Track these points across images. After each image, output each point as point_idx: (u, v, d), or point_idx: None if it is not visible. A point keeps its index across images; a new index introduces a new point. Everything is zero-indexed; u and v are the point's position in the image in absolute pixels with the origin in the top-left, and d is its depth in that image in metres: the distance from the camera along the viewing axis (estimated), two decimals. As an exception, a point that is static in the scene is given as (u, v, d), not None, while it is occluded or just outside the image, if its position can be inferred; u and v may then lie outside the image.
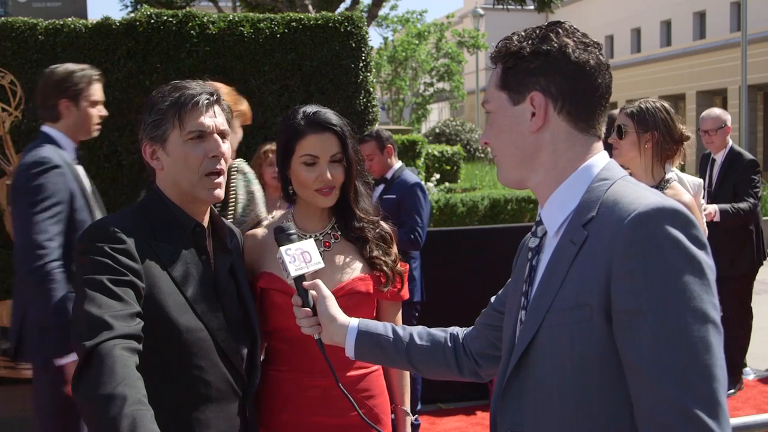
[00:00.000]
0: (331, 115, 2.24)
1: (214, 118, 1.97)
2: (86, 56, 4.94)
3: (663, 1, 32.13)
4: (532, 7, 15.23)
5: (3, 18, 5.09)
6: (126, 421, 1.50)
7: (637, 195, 1.37)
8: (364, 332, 1.86)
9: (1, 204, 4.97)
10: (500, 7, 15.11)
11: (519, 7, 15.64)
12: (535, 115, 1.47)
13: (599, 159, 1.48)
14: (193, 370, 1.90)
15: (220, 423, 1.94)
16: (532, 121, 1.47)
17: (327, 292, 1.91)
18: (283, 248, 1.91)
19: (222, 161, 1.98)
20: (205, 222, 2.04)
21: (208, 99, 1.97)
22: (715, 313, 1.27)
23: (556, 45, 1.45)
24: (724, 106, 27.00)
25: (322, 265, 1.94)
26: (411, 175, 5.17)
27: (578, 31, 1.50)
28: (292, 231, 1.96)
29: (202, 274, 1.96)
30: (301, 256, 1.91)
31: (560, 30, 1.48)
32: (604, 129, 1.53)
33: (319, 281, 1.93)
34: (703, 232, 3.14)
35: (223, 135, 1.99)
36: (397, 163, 5.10)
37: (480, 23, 31.89)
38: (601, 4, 35.85)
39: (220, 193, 1.99)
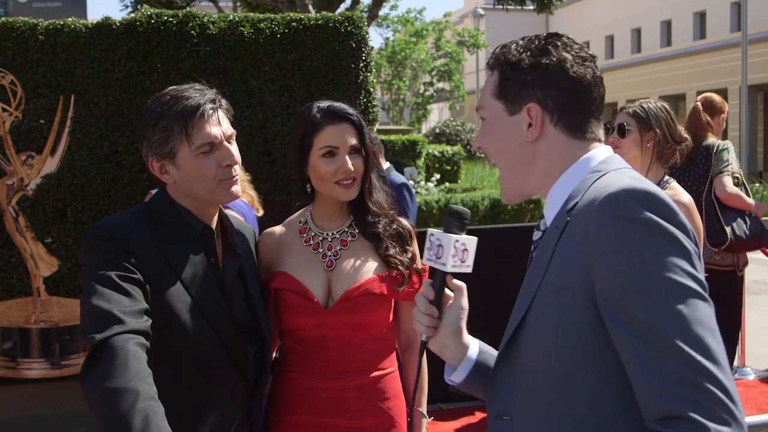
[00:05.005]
0: (345, 105, 2.21)
1: (220, 126, 1.93)
2: (86, 56, 4.94)
3: (663, 1, 32.14)
4: (531, 8, 15.21)
5: (3, 18, 5.09)
6: (139, 417, 1.49)
7: (614, 180, 1.38)
8: (481, 364, 1.67)
9: (0, 204, 4.97)
10: (500, 7, 15.09)
11: (519, 8, 15.62)
12: (531, 126, 1.48)
13: (598, 152, 1.49)
14: (199, 372, 1.89)
15: (224, 425, 1.93)
16: (529, 132, 1.49)
17: (466, 303, 1.69)
18: (454, 237, 1.64)
19: (236, 166, 1.96)
20: (214, 224, 2.03)
21: (212, 107, 1.92)
22: (698, 285, 1.26)
23: (555, 59, 1.47)
24: (724, 106, 26.96)
25: (470, 270, 1.71)
26: (398, 176, 5.20)
27: (576, 43, 1.51)
28: (467, 219, 1.69)
29: (209, 276, 1.94)
30: (462, 253, 1.68)
31: (559, 43, 1.49)
32: (602, 133, 1.54)
33: (464, 287, 1.70)
34: (699, 229, 3.15)
35: (230, 139, 1.97)
36: (385, 164, 5.12)
37: (480, 23, 31.91)
38: (601, 4, 35.84)
39: (238, 189, 1.97)
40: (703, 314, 1.25)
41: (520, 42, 1.52)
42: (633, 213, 1.29)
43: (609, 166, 1.46)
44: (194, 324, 1.87)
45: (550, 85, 1.47)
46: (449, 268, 1.64)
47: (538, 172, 1.51)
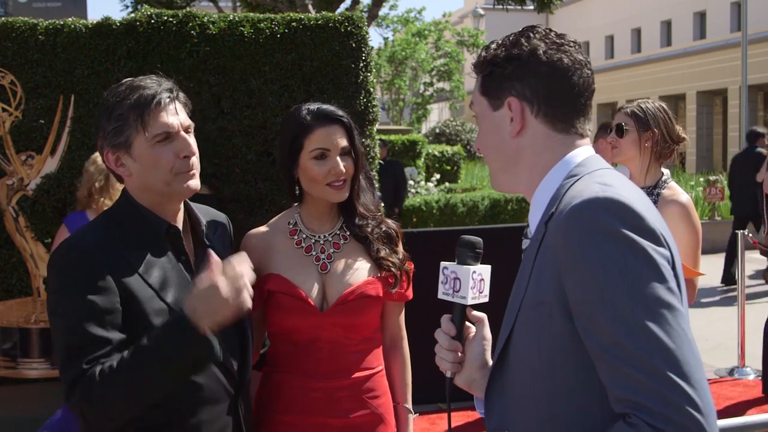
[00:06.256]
0: (335, 108, 2.23)
1: (177, 116, 1.89)
2: (86, 56, 4.94)
3: (663, 1, 32.11)
4: (531, 8, 15.20)
5: (3, 18, 5.10)
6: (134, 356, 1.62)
7: (583, 187, 1.36)
8: None
9: (0, 204, 4.97)
10: (500, 7, 15.08)
11: (519, 8, 15.61)
12: (513, 120, 1.48)
13: (576, 155, 1.48)
14: None
15: (213, 424, 1.91)
16: (511, 126, 1.48)
17: (489, 333, 1.65)
18: (471, 268, 1.60)
19: (194, 158, 1.91)
20: (180, 220, 1.97)
21: (169, 96, 1.88)
22: (667, 294, 1.24)
23: (526, 48, 1.46)
24: (724, 106, 27.00)
25: (487, 299, 1.67)
26: None
27: (552, 32, 1.50)
28: (481, 248, 1.63)
29: (182, 276, 1.89)
30: (480, 283, 1.63)
31: (532, 33, 1.49)
32: (589, 127, 1.52)
33: (485, 317, 1.65)
34: (697, 228, 3.14)
35: (188, 130, 1.92)
36: None
37: (480, 23, 31.89)
38: (601, 4, 35.83)
39: (196, 183, 1.91)
40: (672, 325, 1.22)
41: (499, 41, 1.53)
42: (597, 224, 1.27)
43: (585, 169, 1.44)
44: None
45: (525, 74, 1.46)
46: (469, 301, 1.60)
47: (525, 170, 1.50)
